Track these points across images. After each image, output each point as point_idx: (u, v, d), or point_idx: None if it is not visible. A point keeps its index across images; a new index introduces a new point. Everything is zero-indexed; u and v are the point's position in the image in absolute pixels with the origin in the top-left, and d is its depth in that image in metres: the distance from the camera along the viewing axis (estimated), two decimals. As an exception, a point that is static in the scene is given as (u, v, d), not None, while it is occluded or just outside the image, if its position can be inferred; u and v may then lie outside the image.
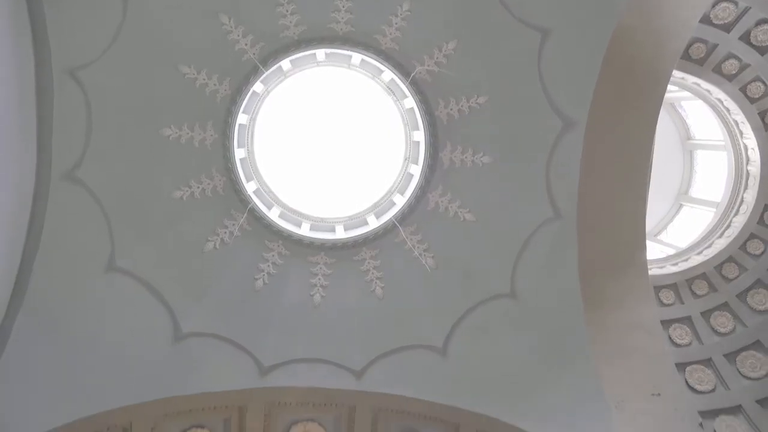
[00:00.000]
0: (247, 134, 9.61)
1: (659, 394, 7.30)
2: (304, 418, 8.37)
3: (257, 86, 9.23)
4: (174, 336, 8.35)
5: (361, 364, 8.52)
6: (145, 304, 8.38)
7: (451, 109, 8.94)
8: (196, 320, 8.52)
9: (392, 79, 9.33)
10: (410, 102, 9.31)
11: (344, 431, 8.35)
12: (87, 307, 8.02)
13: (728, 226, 10.80)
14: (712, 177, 13.61)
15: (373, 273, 9.14)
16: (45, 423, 7.14)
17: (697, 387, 8.72)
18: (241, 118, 9.29)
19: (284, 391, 8.27)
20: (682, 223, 14.38)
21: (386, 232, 9.25)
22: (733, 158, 11.28)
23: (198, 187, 8.94)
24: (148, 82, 8.27)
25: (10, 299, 7.51)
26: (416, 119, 9.37)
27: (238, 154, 9.32)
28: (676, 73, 10.75)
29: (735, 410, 8.42)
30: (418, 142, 9.46)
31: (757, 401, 8.33)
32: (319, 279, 9.12)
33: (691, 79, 10.99)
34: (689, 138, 14.86)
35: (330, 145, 16.10)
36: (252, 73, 8.84)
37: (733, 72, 10.51)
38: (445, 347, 8.61)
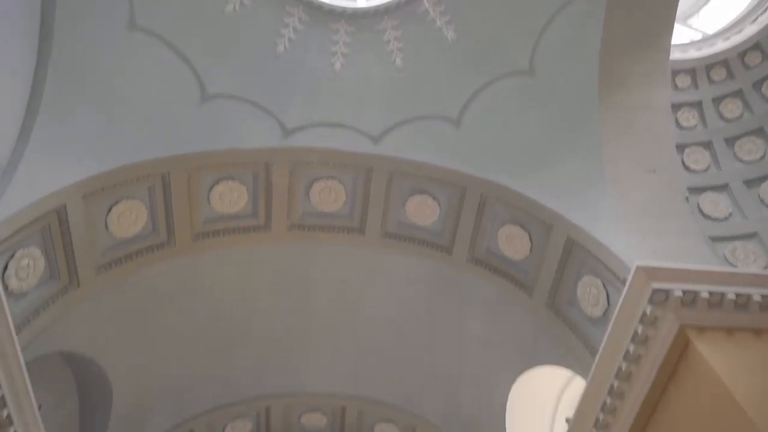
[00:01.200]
0: None
1: (654, 171, 7.80)
2: (324, 176, 9.09)
3: None
4: (201, 96, 8.67)
5: (378, 130, 8.97)
6: (170, 64, 8.52)
7: None
8: (221, 82, 8.77)
9: None
10: None
11: (361, 190, 9.13)
12: (114, 67, 8.19)
13: (764, 11, 10.27)
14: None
15: (393, 44, 9.09)
16: (88, 169, 7.73)
17: (692, 166, 9.26)
18: None
19: (306, 151, 8.87)
20: (716, 8, 13.62)
21: (409, 1, 8.94)
22: (792, -68, 10.29)
23: (213, -56, 8.50)
24: None
25: (38, 59, 7.64)
26: None
27: None
28: None
29: (721, 188, 9.06)
30: None
31: (744, 181, 8.93)
32: (340, 47, 9.10)
33: None
34: None
35: None
36: None
37: None
38: (460, 118, 8.95)
